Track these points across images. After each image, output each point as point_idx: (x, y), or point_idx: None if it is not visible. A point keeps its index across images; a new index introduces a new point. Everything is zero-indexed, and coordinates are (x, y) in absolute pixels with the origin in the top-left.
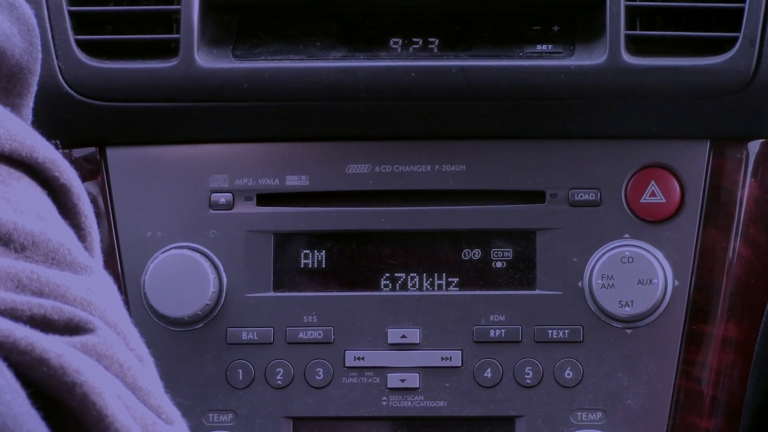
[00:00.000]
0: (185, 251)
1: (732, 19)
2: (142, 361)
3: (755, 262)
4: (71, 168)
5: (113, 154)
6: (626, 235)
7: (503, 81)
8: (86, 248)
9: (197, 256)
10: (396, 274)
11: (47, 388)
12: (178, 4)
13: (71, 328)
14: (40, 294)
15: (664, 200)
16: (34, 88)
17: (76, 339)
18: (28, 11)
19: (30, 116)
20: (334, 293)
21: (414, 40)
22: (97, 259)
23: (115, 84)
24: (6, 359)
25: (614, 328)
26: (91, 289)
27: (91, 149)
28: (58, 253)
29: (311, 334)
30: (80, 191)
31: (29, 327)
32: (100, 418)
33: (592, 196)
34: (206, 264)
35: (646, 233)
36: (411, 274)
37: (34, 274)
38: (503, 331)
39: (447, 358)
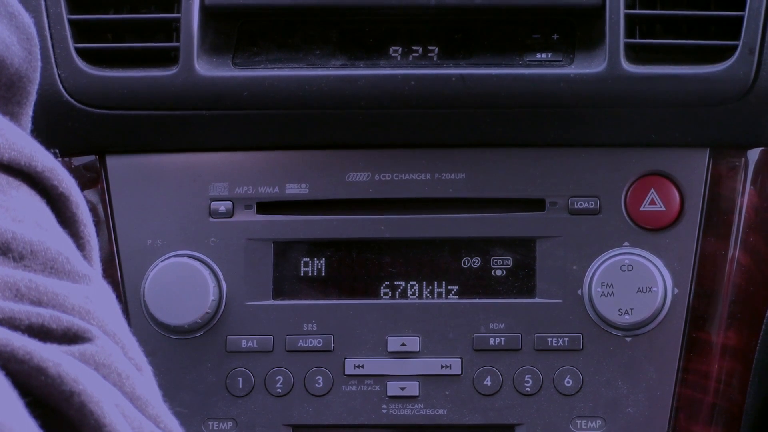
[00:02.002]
0: (185, 259)
1: (731, 27)
2: (141, 371)
3: (755, 269)
4: (70, 177)
5: (113, 162)
6: (626, 243)
7: (503, 89)
8: (85, 257)
9: (197, 264)
10: (396, 282)
11: (45, 397)
12: (178, 12)
13: (69, 337)
14: (38, 303)
15: (663, 208)
16: (33, 97)
17: (74, 348)
18: (27, 20)
19: (29, 125)
20: (334, 301)
21: (414, 48)
22: (96, 268)
23: (114, 92)
24: (4, 368)
25: (614, 336)
26: (89, 298)
27: (91, 157)
28: (56, 262)
29: (311, 342)
30: (79, 200)
31: (27, 336)
32: (98, 427)
33: (591, 204)
34: (206, 272)
35: (646, 241)
36: (411, 282)
37: (33, 283)
38: (503, 338)
39: (447, 366)
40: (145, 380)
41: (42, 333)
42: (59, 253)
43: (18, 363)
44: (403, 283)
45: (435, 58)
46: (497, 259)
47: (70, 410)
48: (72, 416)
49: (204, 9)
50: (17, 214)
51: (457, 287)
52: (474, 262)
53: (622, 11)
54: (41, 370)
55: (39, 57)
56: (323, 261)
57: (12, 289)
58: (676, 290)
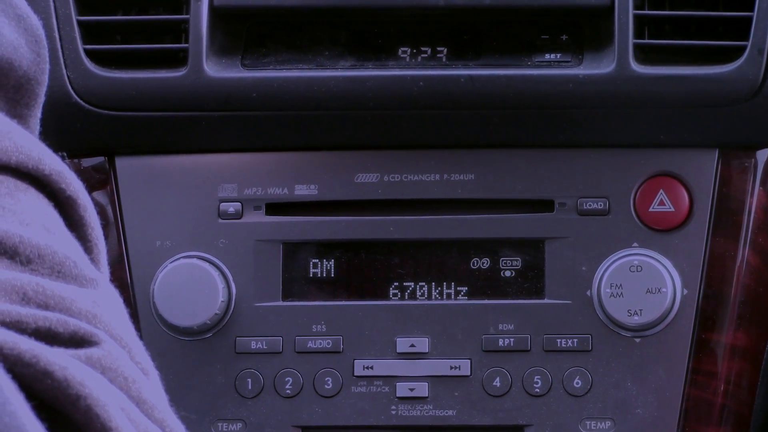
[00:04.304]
0: (194, 261)
1: (740, 28)
2: (147, 375)
3: (764, 270)
4: (78, 180)
5: (122, 163)
6: (635, 244)
7: (512, 90)
8: (92, 261)
9: (206, 265)
10: (405, 284)
11: (51, 400)
12: (187, 13)
13: (76, 341)
14: (45, 307)
15: (672, 209)
16: (41, 99)
17: (81, 352)
18: (35, 22)
19: (38, 127)
20: (343, 302)
21: (422, 49)
22: (104, 272)
23: (124, 93)
24: (10, 371)
25: (623, 337)
26: (96, 302)
27: (100, 159)
28: (64, 265)
29: (320, 344)
30: (87, 203)
31: (34, 339)
32: (103, 430)
33: (600, 205)
34: (215, 273)
35: (655, 242)
36: (420, 284)
37: (40, 287)
38: (512, 340)
39: (456, 367)
40: (151, 384)
41: (49, 337)
42: (66, 257)
43: (25, 366)
44: (412, 284)
45: (444, 59)
46: (506, 260)
47: (77, 414)
48: (78, 420)
49: (213, 10)
50: (25, 217)
51: (466, 288)
52: (483, 263)
53: (631, 12)
54: (48, 374)
55: (47, 59)
56: (332, 262)
57: (19, 293)
58: (686, 291)
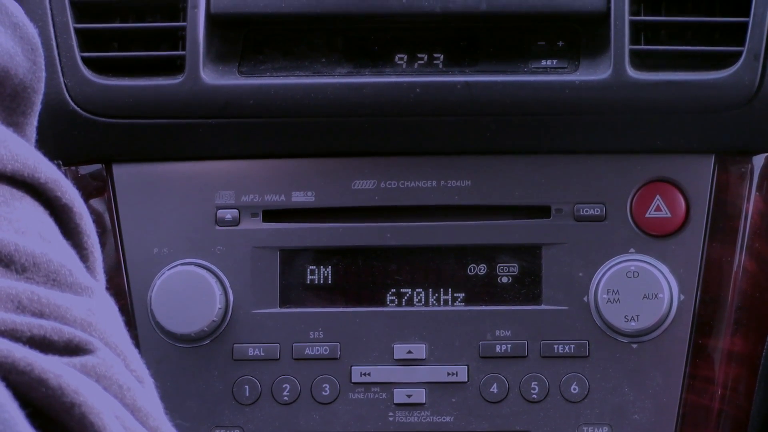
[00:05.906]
0: (192, 268)
1: (736, 34)
2: (142, 383)
3: (760, 275)
4: (73, 188)
5: (119, 170)
6: (632, 250)
7: (508, 96)
8: (88, 269)
9: (204, 272)
10: (402, 290)
11: (46, 408)
12: (184, 20)
13: (71, 349)
14: (40, 315)
15: (669, 215)
16: (37, 107)
17: (76, 360)
18: (32, 30)
19: (34, 135)
20: (341, 309)
21: (419, 55)
22: (100, 280)
23: (121, 101)
24: (5, 379)
25: (620, 342)
26: (91, 310)
27: (98, 166)
28: (59, 274)
29: (317, 350)
30: (82, 211)
31: (29, 347)
32: None
33: (597, 211)
34: (212, 280)
35: (652, 248)
36: (417, 290)
37: (35, 295)
38: (509, 346)
39: (453, 374)
40: (146, 392)
41: (43, 345)
42: (62, 265)
43: (19, 374)
44: (409, 290)
45: (440, 65)
46: (503, 266)
47: (71, 421)
48: (72, 427)
49: (210, 17)
50: (20, 225)
51: (463, 294)
52: (480, 270)
53: (627, 18)
54: (42, 382)
55: (43, 67)
56: (329, 269)
57: (14, 301)
58: (682, 297)
